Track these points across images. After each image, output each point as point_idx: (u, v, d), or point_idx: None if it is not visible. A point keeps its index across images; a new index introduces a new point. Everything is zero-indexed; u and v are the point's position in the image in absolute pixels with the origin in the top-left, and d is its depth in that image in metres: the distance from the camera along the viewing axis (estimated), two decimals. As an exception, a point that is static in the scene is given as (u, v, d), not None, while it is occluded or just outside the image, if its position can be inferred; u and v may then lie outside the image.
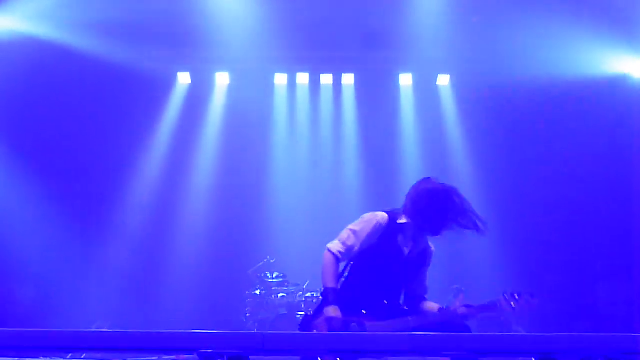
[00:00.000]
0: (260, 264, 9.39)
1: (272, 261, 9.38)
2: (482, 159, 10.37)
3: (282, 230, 9.94)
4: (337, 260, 4.45)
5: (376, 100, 10.65)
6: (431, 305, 4.46)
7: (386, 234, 4.45)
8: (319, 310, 4.44)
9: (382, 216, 4.49)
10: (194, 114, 10.69)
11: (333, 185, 10.47)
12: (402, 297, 4.57)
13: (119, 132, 10.26)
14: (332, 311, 4.27)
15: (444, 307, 4.40)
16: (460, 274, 9.56)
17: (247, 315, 9.15)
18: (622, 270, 9.68)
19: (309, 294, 8.99)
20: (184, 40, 9.76)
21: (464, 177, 10.35)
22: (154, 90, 10.42)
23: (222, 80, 10.74)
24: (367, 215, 4.54)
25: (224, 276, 9.77)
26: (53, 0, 8.93)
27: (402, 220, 4.48)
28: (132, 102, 10.22)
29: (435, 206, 4.40)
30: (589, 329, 9.18)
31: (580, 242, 10.08)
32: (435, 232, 4.47)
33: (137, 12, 9.39)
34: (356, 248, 4.44)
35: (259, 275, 9.28)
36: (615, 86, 10.16)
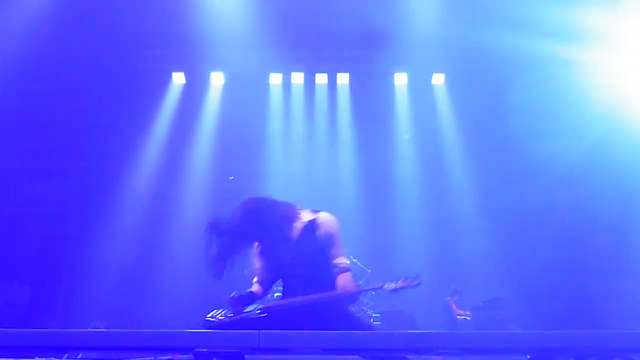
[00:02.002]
0: (256, 264, 9.37)
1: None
2: (477, 158, 10.39)
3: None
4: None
5: (371, 99, 10.65)
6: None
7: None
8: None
9: None
10: (189, 114, 10.68)
11: (328, 184, 10.46)
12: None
13: (114, 131, 10.26)
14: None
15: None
16: (457, 274, 9.59)
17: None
18: (618, 267, 9.70)
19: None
20: (178, 40, 9.75)
21: (458, 175, 10.39)
22: (149, 90, 10.42)
23: (217, 80, 10.74)
24: None
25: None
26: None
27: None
28: (127, 102, 10.22)
29: None
30: (585, 326, 9.20)
31: (577, 240, 10.09)
32: None
33: (132, 12, 9.38)
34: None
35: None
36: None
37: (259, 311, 4.30)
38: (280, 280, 4.53)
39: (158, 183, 10.39)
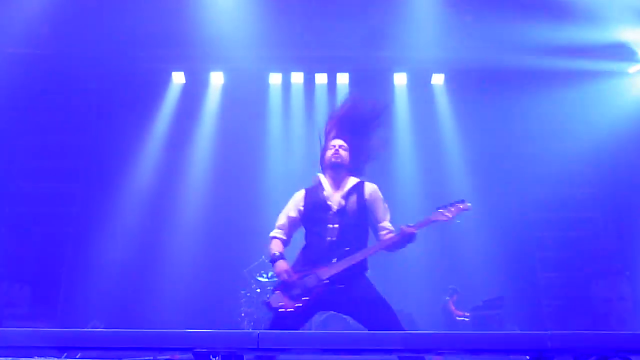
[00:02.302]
0: (256, 263, 9.38)
1: (267, 261, 9.37)
2: (477, 158, 10.40)
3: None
4: (277, 239, 4.95)
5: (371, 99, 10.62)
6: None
7: (309, 197, 4.97)
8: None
9: (298, 191, 5.09)
10: (189, 114, 10.68)
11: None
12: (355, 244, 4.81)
13: (113, 131, 10.26)
14: (279, 264, 4.73)
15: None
16: (456, 274, 9.59)
17: (242, 314, 9.14)
18: (618, 267, 9.70)
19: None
20: (178, 40, 9.74)
21: (459, 175, 10.39)
22: (149, 90, 10.41)
23: (216, 79, 10.74)
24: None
25: (219, 275, 9.75)
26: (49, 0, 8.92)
27: (314, 179, 5.09)
28: (127, 102, 10.23)
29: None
30: (584, 327, 9.21)
31: (576, 240, 10.11)
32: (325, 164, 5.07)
33: (131, 12, 9.38)
34: (288, 221, 4.98)
35: (254, 274, 9.27)
36: (612, 84, 10.23)
37: (327, 281, 4.59)
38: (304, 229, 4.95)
39: (158, 182, 10.38)
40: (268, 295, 4.92)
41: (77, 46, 9.64)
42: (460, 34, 9.71)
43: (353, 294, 4.55)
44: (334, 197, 4.90)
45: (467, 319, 9.20)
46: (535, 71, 10.19)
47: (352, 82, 10.72)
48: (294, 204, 5.01)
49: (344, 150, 5.10)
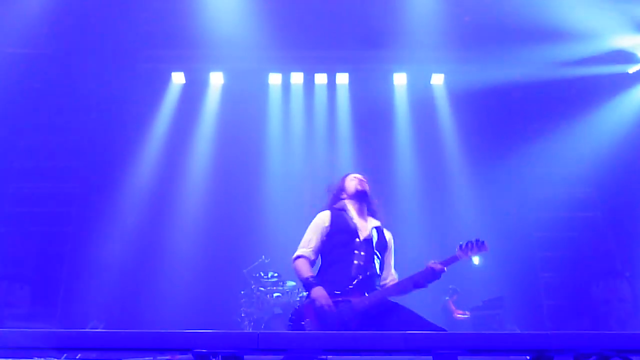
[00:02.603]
0: (255, 263, 9.38)
1: (266, 261, 9.38)
2: (476, 158, 10.39)
3: (276, 229, 9.92)
4: (306, 259, 4.92)
5: (371, 99, 10.64)
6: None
7: (335, 220, 4.99)
8: (307, 299, 4.80)
9: (323, 211, 5.14)
10: (189, 114, 10.67)
11: (327, 184, 10.42)
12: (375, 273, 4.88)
13: (113, 131, 10.25)
14: (318, 291, 4.65)
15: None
16: (456, 274, 9.56)
17: (242, 315, 9.14)
18: (618, 268, 9.70)
19: (305, 294, 8.98)
20: (178, 40, 9.75)
21: (458, 176, 10.39)
22: (149, 90, 10.40)
23: (216, 80, 10.73)
24: (314, 219, 5.15)
25: (219, 275, 9.74)
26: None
27: (339, 205, 5.15)
28: (127, 102, 10.20)
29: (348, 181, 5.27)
30: (584, 327, 9.20)
31: (576, 241, 10.10)
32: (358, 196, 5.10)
33: (132, 11, 9.38)
34: (318, 242, 4.96)
35: (254, 274, 9.26)
36: (612, 86, 10.24)
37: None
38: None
39: (157, 183, 10.36)
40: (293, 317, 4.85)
41: (76, 46, 9.65)
42: (459, 34, 9.71)
43: (391, 325, 4.54)
44: (361, 225, 4.96)
45: (467, 316, 9.18)
46: (535, 71, 10.20)
47: (352, 82, 10.72)
48: (322, 225, 5.01)
49: (367, 183, 5.21)
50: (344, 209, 5.06)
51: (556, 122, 10.38)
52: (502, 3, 9.38)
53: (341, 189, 5.24)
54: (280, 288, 9.20)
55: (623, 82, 10.35)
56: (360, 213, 5.05)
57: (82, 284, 9.59)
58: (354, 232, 4.88)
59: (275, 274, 9.22)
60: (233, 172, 10.35)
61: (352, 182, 5.17)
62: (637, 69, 10.25)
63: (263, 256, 9.42)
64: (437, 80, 10.75)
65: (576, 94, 10.28)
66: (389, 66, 10.58)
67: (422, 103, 10.70)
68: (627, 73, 10.33)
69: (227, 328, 8.77)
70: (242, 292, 9.28)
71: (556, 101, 10.36)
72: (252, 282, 9.22)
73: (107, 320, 8.94)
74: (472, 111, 10.39)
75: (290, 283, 9.27)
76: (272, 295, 9.14)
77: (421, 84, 10.75)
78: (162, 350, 2.74)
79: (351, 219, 4.97)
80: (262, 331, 2.73)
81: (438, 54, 10.14)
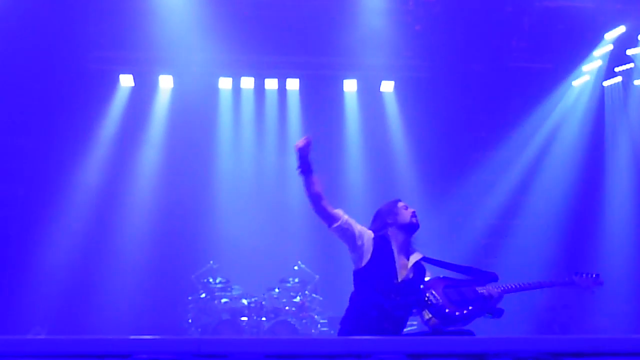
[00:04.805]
0: (204, 268, 9.32)
1: (215, 266, 9.33)
2: (425, 164, 10.51)
3: (225, 235, 9.88)
4: (334, 216, 4.54)
5: (321, 105, 10.67)
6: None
7: (378, 248, 4.55)
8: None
9: (370, 231, 4.64)
10: (137, 117, 10.52)
11: (277, 190, 10.44)
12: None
13: (58, 134, 10.06)
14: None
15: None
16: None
17: (190, 320, 9.06)
18: (562, 274, 9.91)
19: (254, 299, 8.97)
20: (126, 42, 9.62)
21: (407, 182, 10.49)
22: (96, 92, 10.21)
23: (165, 83, 10.60)
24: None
25: (167, 281, 9.66)
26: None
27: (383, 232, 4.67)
28: (72, 103, 10.02)
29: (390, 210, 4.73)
30: (529, 333, 9.37)
31: (522, 247, 10.30)
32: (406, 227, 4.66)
33: (79, 11, 9.23)
34: (349, 224, 4.53)
35: (202, 280, 9.20)
36: (557, 97, 10.54)
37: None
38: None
39: (104, 186, 10.21)
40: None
41: (21, 45, 9.42)
42: (409, 42, 9.84)
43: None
44: (401, 264, 4.55)
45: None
46: (485, 79, 10.39)
47: (303, 88, 10.73)
48: (363, 238, 4.55)
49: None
50: (385, 240, 4.59)
51: (506, 130, 10.59)
52: (454, 12, 9.57)
53: (391, 215, 4.67)
54: (228, 294, 9.16)
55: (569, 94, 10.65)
56: (403, 247, 4.61)
57: (25, 288, 9.38)
58: (392, 273, 4.48)
59: (224, 280, 9.18)
60: (182, 176, 10.26)
61: (407, 212, 4.68)
62: (581, 81, 10.54)
63: (211, 261, 9.36)
64: (387, 87, 10.83)
65: (524, 102, 10.50)
66: (340, 72, 10.63)
67: (372, 110, 10.78)
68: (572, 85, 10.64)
69: (174, 334, 8.69)
70: (190, 298, 9.20)
71: (506, 109, 10.56)
72: (200, 287, 9.16)
73: (51, 326, 8.77)
74: (422, 118, 10.51)
75: (238, 289, 9.24)
76: (220, 301, 9.10)
77: (371, 90, 10.82)
78: (101, 357, 2.68)
79: (391, 252, 4.54)
80: (204, 337, 2.71)
81: (389, 61, 10.24)
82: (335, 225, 4.51)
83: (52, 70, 9.77)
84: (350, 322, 4.49)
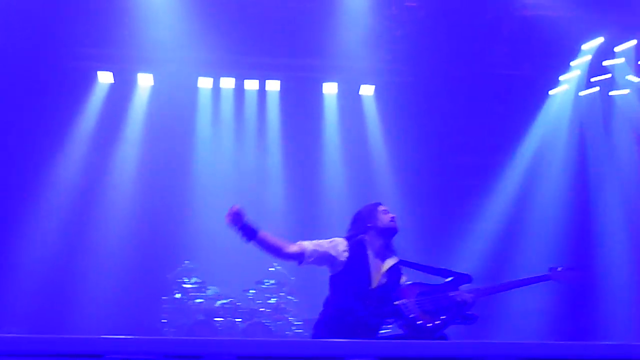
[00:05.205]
0: (179, 268, 9.28)
1: (190, 266, 9.30)
2: (404, 168, 10.56)
3: (201, 235, 9.84)
4: (300, 252, 4.50)
5: (301, 107, 10.68)
6: None
7: (353, 256, 4.52)
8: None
9: (340, 239, 4.61)
10: (116, 115, 10.43)
11: (255, 191, 10.43)
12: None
13: (35, 130, 9.94)
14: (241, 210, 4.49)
15: None
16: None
17: (164, 320, 9.02)
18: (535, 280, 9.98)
19: (229, 300, 8.96)
20: (106, 39, 9.55)
21: (385, 184, 10.53)
22: (73, 89, 10.11)
23: (145, 81, 10.53)
24: (330, 239, 4.64)
25: (142, 280, 9.59)
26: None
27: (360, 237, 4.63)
28: (49, 101, 9.91)
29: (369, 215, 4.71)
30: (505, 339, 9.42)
31: (496, 252, 10.37)
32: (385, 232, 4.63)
33: (59, 6, 9.16)
34: (315, 251, 4.49)
35: (177, 280, 9.16)
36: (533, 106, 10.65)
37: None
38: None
39: (80, 183, 10.12)
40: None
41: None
42: (390, 46, 9.88)
43: None
44: (377, 269, 4.52)
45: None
46: (465, 85, 10.46)
47: (283, 89, 10.73)
48: (334, 250, 4.53)
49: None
50: (361, 245, 4.57)
51: (483, 136, 10.67)
52: (435, 18, 9.63)
53: (370, 219, 4.65)
54: (203, 294, 9.14)
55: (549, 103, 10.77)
56: (380, 251, 4.57)
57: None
58: (366, 280, 4.47)
59: (199, 280, 9.15)
60: (159, 175, 10.20)
61: (387, 216, 4.65)
62: (558, 90, 10.66)
63: (187, 261, 9.33)
64: (367, 91, 10.85)
65: (503, 109, 10.58)
66: (320, 75, 10.65)
67: (352, 113, 10.81)
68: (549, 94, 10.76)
69: (148, 334, 8.64)
70: (165, 298, 9.16)
71: (483, 116, 10.64)
72: (175, 287, 9.12)
73: (25, 325, 8.68)
74: (401, 123, 10.56)
75: (213, 289, 9.22)
76: (195, 301, 9.07)
77: (351, 94, 10.85)
78: (73, 357, 2.66)
79: (366, 258, 4.52)
80: (178, 337, 2.70)
81: (369, 65, 10.28)
82: (304, 262, 4.51)
83: (29, 65, 9.67)
84: (323, 327, 4.48)
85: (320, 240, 4.56)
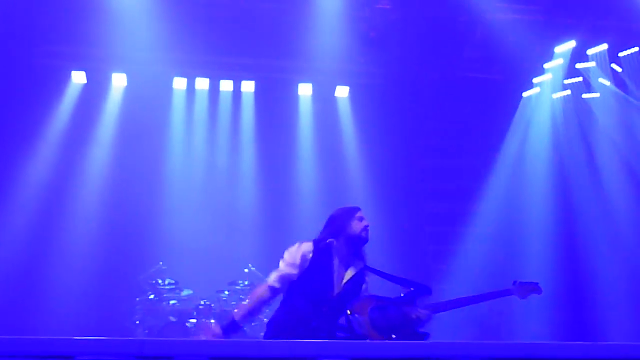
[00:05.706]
0: (152, 269, 9.22)
1: (164, 267, 9.24)
2: (377, 170, 10.60)
3: (175, 236, 9.79)
4: (272, 289, 4.41)
5: (275, 108, 10.68)
6: None
7: (315, 261, 4.44)
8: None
9: (305, 244, 4.52)
10: (89, 115, 10.33)
11: (228, 192, 10.40)
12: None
13: (5, 129, 9.83)
14: (215, 328, 4.32)
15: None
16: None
17: (137, 322, 8.95)
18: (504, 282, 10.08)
19: (203, 301, 8.92)
20: (79, 37, 9.46)
21: (358, 186, 10.56)
22: (45, 88, 10.00)
23: (118, 81, 10.44)
24: (294, 246, 4.55)
25: (115, 281, 9.52)
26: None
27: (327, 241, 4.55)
28: (21, 99, 9.80)
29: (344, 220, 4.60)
30: (473, 338, 9.51)
31: (469, 253, 10.45)
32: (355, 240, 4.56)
33: (30, 5, 9.05)
34: (289, 273, 4.42)
35: (150, 281, 9.10)
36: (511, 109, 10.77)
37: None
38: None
39: (52, 183, 10.00)
40: None
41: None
42: (364, 48, 9.93)
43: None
44: (340, 276, 4.46)
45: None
46: (438, 87, 10.55)
47: (257, 90, 10.72)
48: (292, 260, 4.45)
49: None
50: (328, 251, 4.48)
51: (456, 138, 10.76)
52: (409, 20, 9.70)
53: (343, 224, 4.55)
54: (177, 295, 9.09)
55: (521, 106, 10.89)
56: (346, 259, 4.50)
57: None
58: (329, 287, 4.39)
59: (172, 281, 9.10)
60: (132, 175, 10.11)
61: (360, 224, 4.54)
62: (531, 93, 10.79)
63: (160, 262, 9.27)
64: (342, 92, 10.89)
65: (475, 111, 10.68)
66: (295, 76, 10.65)
67: (326, 114, 10.84)
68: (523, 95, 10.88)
69: (121, 336, 8.56)
70: (138, 299, 9.10)
71: (456, 118, 10.73)
72: (149, 289, 9.06)
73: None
74: (375, 124, 10.61)
75: (187, 291, 9.17)
76: (168, 303, 9.02)
77: (326, 95, 10.88)
78: (44, 358, 2.64)
79: (331, 264, 4.44)
80: (148, 338, 2.69)
81: (344, 67, 10.32)
82: (280, 292, 4.45)
83: (0, 62, 9.55)
84: (274, 327, 4.43)
85: (280, 263, 4.47)
